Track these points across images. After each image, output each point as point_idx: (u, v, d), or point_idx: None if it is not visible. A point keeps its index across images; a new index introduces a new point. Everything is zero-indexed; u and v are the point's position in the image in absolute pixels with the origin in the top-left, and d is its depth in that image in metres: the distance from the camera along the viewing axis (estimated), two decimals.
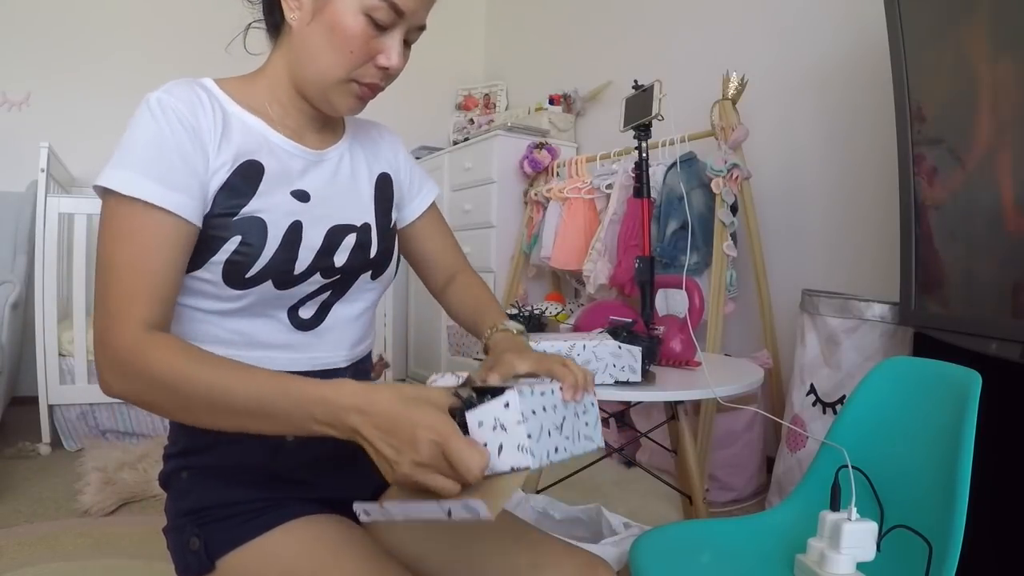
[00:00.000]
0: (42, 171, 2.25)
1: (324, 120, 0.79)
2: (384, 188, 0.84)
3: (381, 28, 0.68)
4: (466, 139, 3.28)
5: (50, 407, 2.31)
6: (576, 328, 1.43)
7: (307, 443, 0.71)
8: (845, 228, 2.01)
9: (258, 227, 0.68)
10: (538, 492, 1.45)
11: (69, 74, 3.07)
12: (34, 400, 2.31)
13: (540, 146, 2.87)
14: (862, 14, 1.89)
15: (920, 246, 1.35)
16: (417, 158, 3.56)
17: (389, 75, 0.72)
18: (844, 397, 1.59)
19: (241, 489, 0.71)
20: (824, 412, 1.64)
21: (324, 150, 0.78)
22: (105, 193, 0.63)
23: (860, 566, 0.78)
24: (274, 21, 0.75)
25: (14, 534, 1.64)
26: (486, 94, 3.75)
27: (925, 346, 1.37)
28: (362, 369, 0.84)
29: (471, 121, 3.67)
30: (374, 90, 0.73)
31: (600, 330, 1.17)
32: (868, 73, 1.87)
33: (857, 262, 1.97)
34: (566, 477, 1.56)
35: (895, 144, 1.39)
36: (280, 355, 0.73)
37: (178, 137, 0.65)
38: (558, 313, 2.42)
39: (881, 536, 0.79)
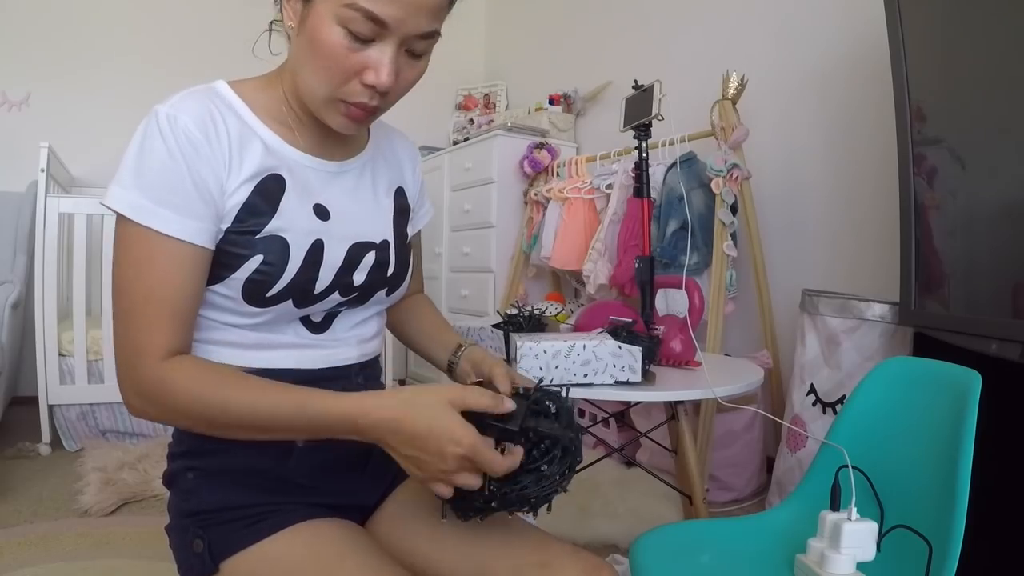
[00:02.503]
0: (42, 171, 2.25)
1: None
2: (401, 202, 0.83)
3: (363, 41, 0.61)
4: (466, 139, 3.28)
5: (50, 407, 2.31)
6: (576, 328, 1.43)
7: (316, 448, 0.72)
8: (845, 228, 2.01)
9: (280, 246, 0.67)
10: None
11: (69, 74, 3.08)
12: (34, 400, 2.31)
13: (540, 146, 2.86)
14: (862, 14, 1.89)
15: (920, 246, 1.35)
16: None
17: (380, 94, 0.65)
18: (844, 397, 1.59)
19: (247, 492, 0.70)
20: (824, 412, 1.64)
21: (344, 161, 0.76)
22: (118, 213, 0.62)
23: (860, 566, 0.78)
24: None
25: (14, 534, 1.64)
26: (486, 94, 3.75)
27: (925, 346, 1.37)
28: (371, 368, 0.84)
29: (471, 121, 3.67)
30: (365, 110, 0.65)
31: (600, 330, 1.17)
32: (868, 73, 1.87)
33: (857, 262, 1.97)
34: None
35: (895, 144, 1.39)
36: (292, 353, 0.72)
37: (190, 161, 0.62)
38: (558, 313, 2.41)
39: (881, 536, 0.79)
